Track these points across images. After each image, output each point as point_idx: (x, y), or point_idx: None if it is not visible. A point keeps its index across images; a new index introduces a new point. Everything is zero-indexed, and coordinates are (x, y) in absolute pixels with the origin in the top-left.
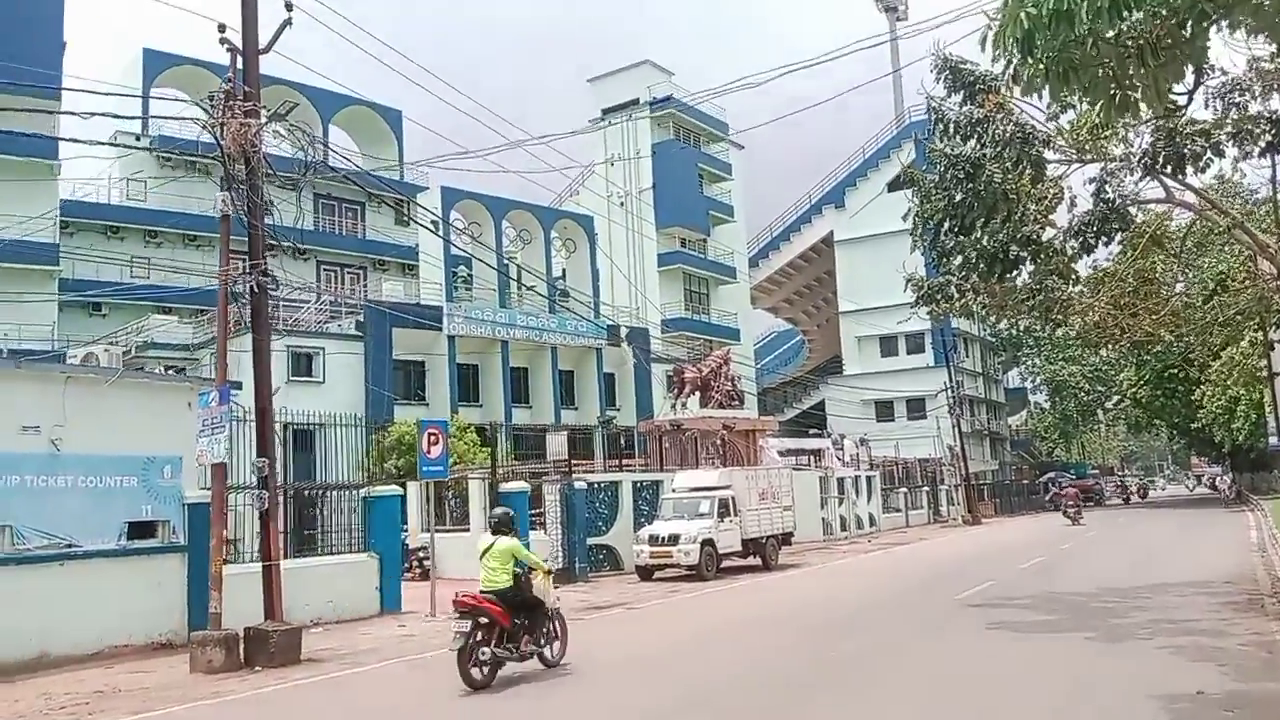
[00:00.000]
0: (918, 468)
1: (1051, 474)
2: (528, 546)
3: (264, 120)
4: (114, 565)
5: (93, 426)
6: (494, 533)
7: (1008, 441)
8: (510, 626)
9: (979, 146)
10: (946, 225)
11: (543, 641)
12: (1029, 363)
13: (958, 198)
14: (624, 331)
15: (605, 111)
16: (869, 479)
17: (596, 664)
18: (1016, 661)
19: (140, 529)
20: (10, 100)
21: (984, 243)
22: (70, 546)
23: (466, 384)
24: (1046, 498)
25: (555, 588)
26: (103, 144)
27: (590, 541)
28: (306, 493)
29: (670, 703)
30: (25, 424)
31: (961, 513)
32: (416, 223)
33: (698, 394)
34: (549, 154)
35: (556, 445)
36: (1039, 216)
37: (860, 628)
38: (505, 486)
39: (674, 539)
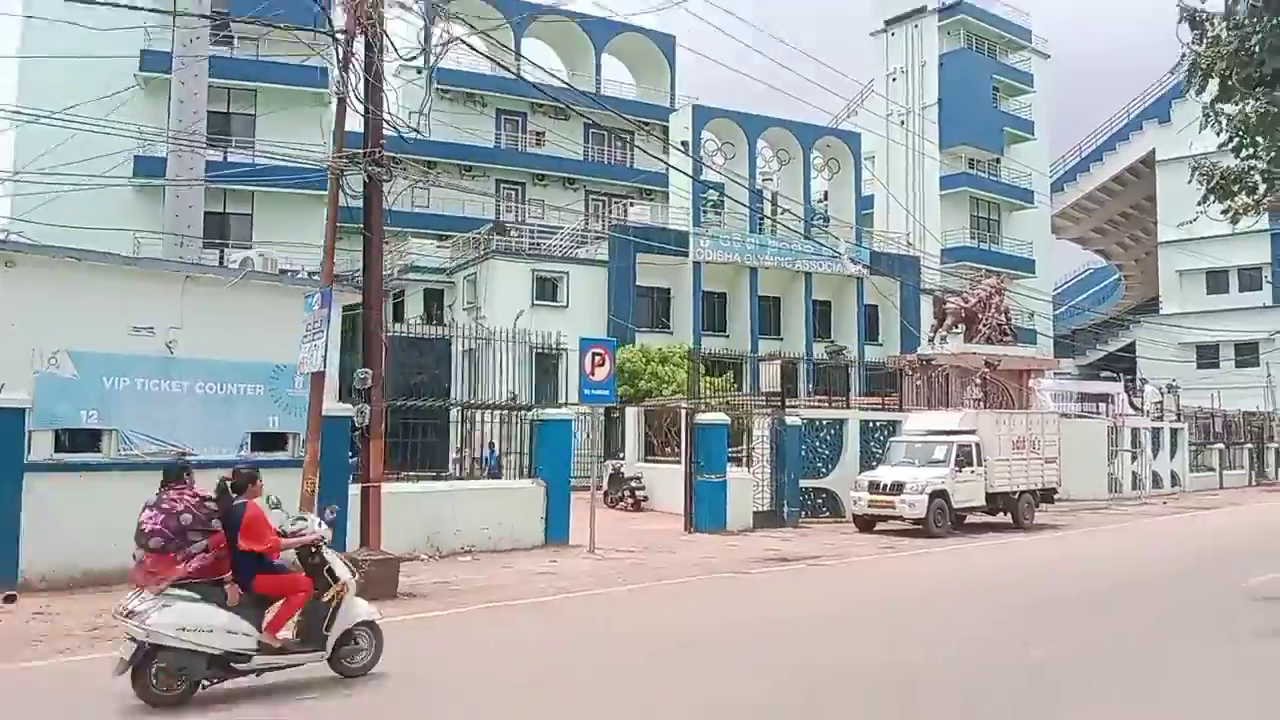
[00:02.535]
0: (1241, 421)
1: None
2: (724, 482)
3: None
4: None
5: (214, 331)
6: None
7: None
8: None
9: None
10: (1234, 77)
11: None
12: None
13: (1253, 38)
14: (843, 247)
15: (888, 22)
16: (1174, 431)
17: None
18: None
19: (267, 441)
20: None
21: None
22: (184, 455)
23: (712, 313)
24: None
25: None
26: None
27: (808, 484)
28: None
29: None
30: (138, 325)
31: None
32: (644, 150)
33: (963, 327)
34: (824, 76)
35: (770, 375)
36: None
37: (1095, 614)
38: (701, 418)
39: (898, 487)
